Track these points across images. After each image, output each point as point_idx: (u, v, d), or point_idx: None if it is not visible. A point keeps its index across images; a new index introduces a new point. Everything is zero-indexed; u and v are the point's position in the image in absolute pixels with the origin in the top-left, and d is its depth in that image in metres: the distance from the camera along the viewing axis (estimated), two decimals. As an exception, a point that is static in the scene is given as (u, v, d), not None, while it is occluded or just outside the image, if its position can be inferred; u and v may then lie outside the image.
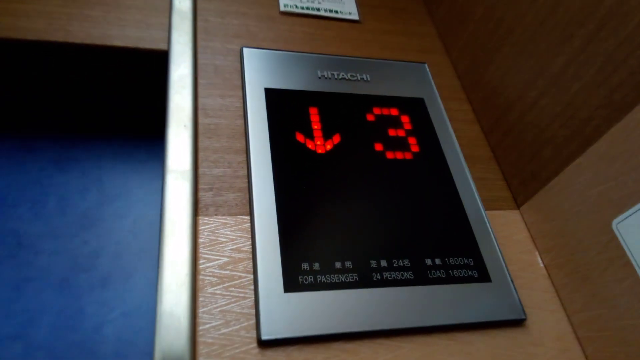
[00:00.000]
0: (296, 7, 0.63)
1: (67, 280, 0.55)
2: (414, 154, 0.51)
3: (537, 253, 0.49)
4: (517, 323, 0.43)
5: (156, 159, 0.65)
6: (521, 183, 0.51)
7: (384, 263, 0.42)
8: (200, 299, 0.37)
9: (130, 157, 0.64)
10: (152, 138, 0.67)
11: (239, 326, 0.37)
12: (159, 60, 0.54)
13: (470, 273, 0.44)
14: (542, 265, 0.48)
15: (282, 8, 0.62)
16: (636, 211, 0.38)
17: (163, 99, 0.48)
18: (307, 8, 0.63)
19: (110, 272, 0.57)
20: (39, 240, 0.56)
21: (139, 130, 0.67)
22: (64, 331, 0.52)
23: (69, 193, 0.60)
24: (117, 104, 0.64)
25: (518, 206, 0.52)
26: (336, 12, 0.64)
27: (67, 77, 0.59)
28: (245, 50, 0.54)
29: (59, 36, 0.52)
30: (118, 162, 0.63)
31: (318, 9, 0.63)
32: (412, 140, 0.52)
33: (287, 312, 0.37)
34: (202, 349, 0.35)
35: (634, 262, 0.38)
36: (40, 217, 0.58)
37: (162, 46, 0.54)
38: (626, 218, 0.38)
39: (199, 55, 0.54)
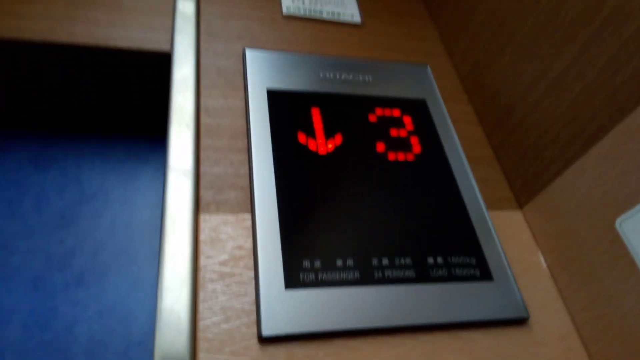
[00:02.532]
0: (299, 10, 0.63)
1: (41, 279, 0.55)
2: (416, 154, 0.51)
3: (539, 253, 0.48)
4: (520, 322, 0.42)
5: (134, 158, 0.65)
6: (524, 184, 0.51)
7: (385, 261, 0.42)
8: (201, 295, 0.37)
9: (109, 156, 0.64)
10: (131, 137, 0.66)
11: (239, 322, 0.36)
12: (161, 62, 0.54)
13: (472, 272, 0.43)
14: (544, 265, 0.48)
15: (284, 11, 0.63)
16: None
17: (156, 99, 0.48)
18: (310, 11, 0.63)
19: (85, 271, 0.56)
20: (14, 239, 0.56)
21: (118, 129, 0.67)
22: (35, 330, 0.52)
23: (46, 192, 0.59)
24: (97, 103, 0.64)
25: (521, 207, 0.52)
26: (338, 14, 0.65)
27: (51, 77, 0.59)
28: (247, 51, 0.55)
29: (62, 37, 0.53)
30: (96, 161, 0.63)
31: (320, 12, 0.64)
32: (414, 141, 0.52)
33: (288, 308, 0.37)
34: (202, 345, 0.35)
35: (637, 261, 0.37)
36: (16, 216, 0.57)
37: (165, 48, 0.55)
38: (630, 217, 0.38)
39: (202, 57, 0.54)
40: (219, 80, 0.52)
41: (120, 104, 0.66)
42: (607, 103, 0.41)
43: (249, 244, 0.41)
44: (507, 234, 0.49)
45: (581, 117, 0.43)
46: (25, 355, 0.51)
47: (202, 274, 0.38)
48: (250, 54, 0.55)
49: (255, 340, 0.36)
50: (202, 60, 0.54)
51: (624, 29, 0.40)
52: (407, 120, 0.54)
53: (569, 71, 0.45)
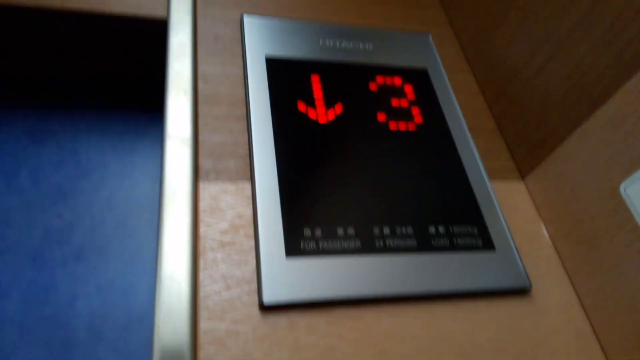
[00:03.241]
0: (297, -24, 0.61)
1: (40, 253, 0.54)
2: (417, 124, 0.50)
3: (542, 223, 0.48)
4: (522, 292, 0.42)
5: (133, 132, 0.63)
6: (527, 153, 0.50)
7: (386, 230, 0.41)
8: (201, 263, 0.37)
9: (107, 129, 0.62)
10: (129, 110, 0.65)
11: (240, 290, 0.36)
12: (157, 29, 0.53)
13: (474, 241, 0.43)
14: (547, 235, 0.47)
15: (283, -23, 0.61)
16: (646, 175, 0.37)
17: (153, 71, 0.46)
18: (309, -23, 0.61)
19: (84, 245, 0.55)
20: (11, 212, 0.55)
21: (116, 102, 0.65)
22: (35, 305, 0.51)
23: (43, 165, 0.58)
24: (93, 74, 0.62)
25: (522, 177, 0.51)
26: (338, -19, 0.63)
27: (43, 45, 0.57)
28: (245, 17, 0.53)
29: (55, 3, 0.51)
30: (94, 135, 0.61)
31: (320, -22, 0.62)
32: (415, 111, 0.51)
33: (289, 276, 0.37)
34: (203, 313, 0.34)
35: (642, 228, 0.37)
36: (12, 189, 0.56)
37: (160, 14, 0.53)
38: (635, 181, 0.38)
39: (199, 23, 0.53)
40: (217, 47, 0.51)
41: (116, 75, 0.64)
42: (614, 63, 0.40)
43: (249, 212, 0.40)
44: (509, 204, 0.48)
45: (587, 78, 0.42)
46: (25, 330, 0.50)
47: (202, 243, 0.38)
48: (248, 20, 0.53)
49: (256, 308, 0.36)
50: (199, 27, 0.52)
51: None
52: (409, 89, 0.53)
53: (574, 31, 0.43)
